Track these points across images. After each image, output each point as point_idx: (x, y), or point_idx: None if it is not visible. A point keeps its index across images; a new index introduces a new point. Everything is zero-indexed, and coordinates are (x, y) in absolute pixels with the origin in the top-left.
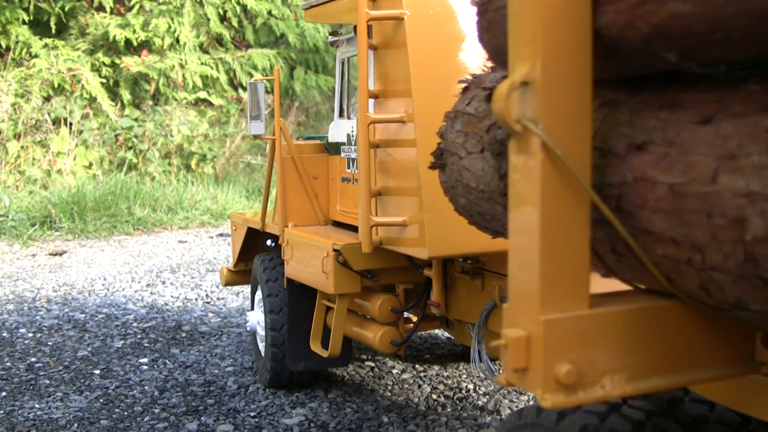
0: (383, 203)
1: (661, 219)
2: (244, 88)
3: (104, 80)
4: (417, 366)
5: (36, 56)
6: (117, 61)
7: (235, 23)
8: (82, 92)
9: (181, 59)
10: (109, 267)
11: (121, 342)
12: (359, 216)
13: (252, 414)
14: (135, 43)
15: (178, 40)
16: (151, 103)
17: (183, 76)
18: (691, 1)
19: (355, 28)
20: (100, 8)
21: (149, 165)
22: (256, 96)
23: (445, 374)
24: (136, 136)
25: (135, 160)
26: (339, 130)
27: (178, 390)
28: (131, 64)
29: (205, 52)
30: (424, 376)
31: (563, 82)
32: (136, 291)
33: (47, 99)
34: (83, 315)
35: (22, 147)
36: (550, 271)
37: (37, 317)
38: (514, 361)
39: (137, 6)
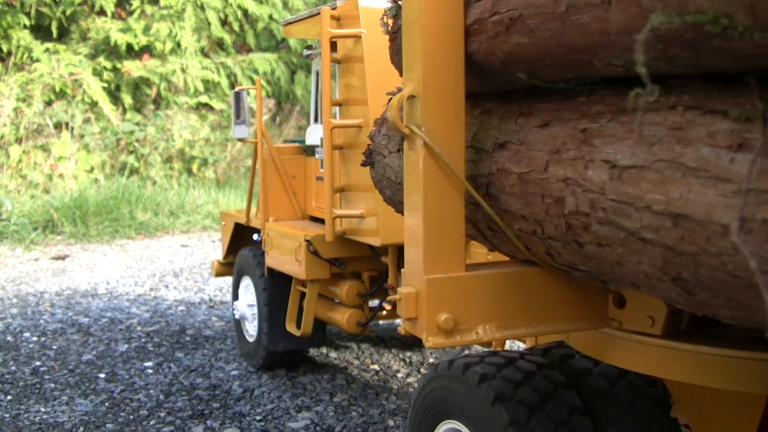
0: (346, 198)
1: (514, 200)
2: None
3: (106, 85)
4: (422, 370)
5: (37, 61)
6: (118, 65)
7: (236, 27)
8: (84, 97)
9: (182, 63)
10: (111, 271)
11: (126, 346)
12: (325, 209)
13: (258, 417)
14: (136, 48)
15: (179, 45)
16: (152, 107)
17: (184, 80)
18: (528, 34)
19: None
20: (102, 13)
21: (151, 169)
22: (240, 104)
23: None
24: (137, 141)
25: (137, 165)
26: (314, 134)
27: (184, 394)
28: (132, 68)
29: (206, 56)
30: None
31: (441, 96)
32: (139, 295)
33: (49, 103)
34: (87, 319)
35: (23, 151)
36: (432, 242)
37: (41, 321)
38: (406, 311)
39: (138, 10)
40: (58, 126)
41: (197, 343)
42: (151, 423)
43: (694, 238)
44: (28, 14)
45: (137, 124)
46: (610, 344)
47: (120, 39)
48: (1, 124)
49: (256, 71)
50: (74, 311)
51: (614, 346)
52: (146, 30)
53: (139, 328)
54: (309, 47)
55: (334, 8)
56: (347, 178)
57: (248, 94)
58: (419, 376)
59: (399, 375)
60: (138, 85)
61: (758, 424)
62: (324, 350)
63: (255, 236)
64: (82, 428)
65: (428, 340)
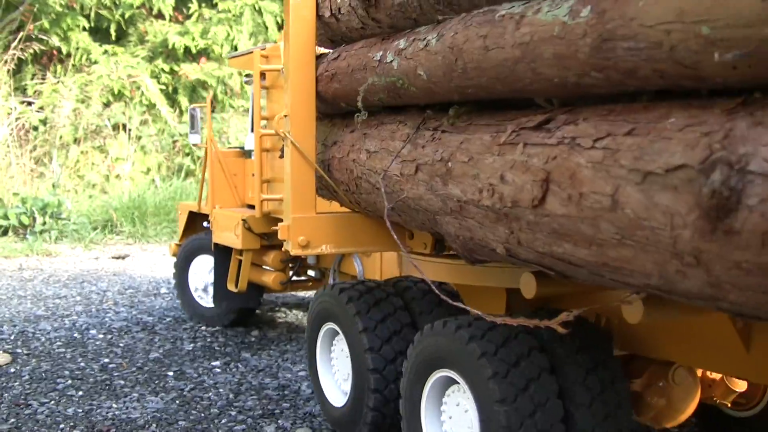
0: (271, 187)
1: (338, 173)
2: None
3: (163, 87)
4: None
5: (96, 63)
6: (176, 68)
7: None
8: (141, 98)
9: None
10: (172, 271)
11: (192, 345)
12: (255, 194)
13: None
14: (194, 51)
15: (236, 48)
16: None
17: (241, 83)
18: (340, 83)
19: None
20: (159, 16)
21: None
22: (194, 118)
23: None
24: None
25: (192, 167)
26: (250, 140)
27: (253, 393)
28: (190, 71)
29: None
30: None
31: (301, 115)
32: None
33: (107, 105)
34: (151, 318)
35: (82, 152)
36: (296, 198)
37: (106, 319)
38: (281, 235)
39: (196, 14)
40: (115, 127)
41: (262, 343)
42: (223, 421)
43: (389, 183)
44: (87, 17)
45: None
46: (409, 265)
47: (178, 42)
48: (61, 125)
49: None
50: (138, 310)
51: (410, 266)
52: (204, 33)
53: (203, 328)
54: (248, 75)
55: (263, 49)
56: (272, 172)
57: (201, 110)
58: None
59: None
60: (195, 88)
61: (505, 305)
62: None
63: (205, 223)
64: (154, 425)
65: (292, 251)
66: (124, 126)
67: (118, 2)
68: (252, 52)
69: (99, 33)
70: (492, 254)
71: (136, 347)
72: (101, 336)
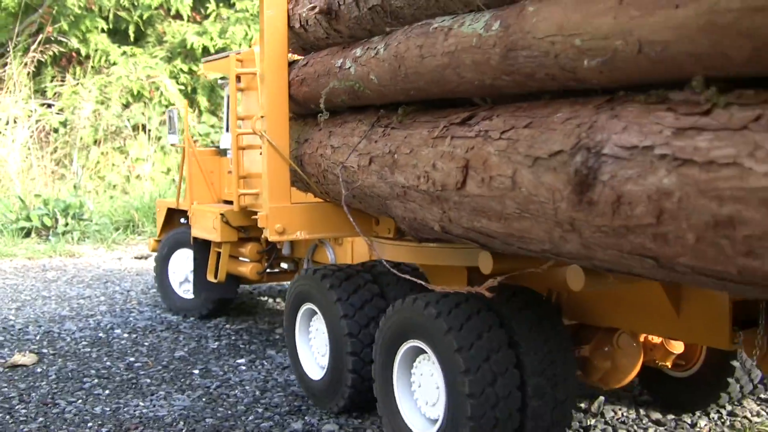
0: (247, 182)
1: (309, 167)
2: None
3: (182, 87)
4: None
5: (114, 64)
6: (194, 68)
7: None
8: (161, 99)
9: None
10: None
11: (216, 343)
12: (233, 189)
13: (355, 414)
14: (212, 50)
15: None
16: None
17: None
18: (309, 86)
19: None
20: (177, 16)
21: None
22: (172, 119)
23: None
24: (213, 143)
25: None
26: (225, 140)
27: (279, 390)
28: None
29: None
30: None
31: (275, 116)
32: None
33: (126, 106)
34: (175, 317)
35: (102, 153)
36: (272, 190)
37: (131, 318)
38: (261, 223)
39: (214, 13)
40: (135, 128)
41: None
42: (250, 418)
43: (347, 174)
44: (105, 18)
45: (212, 126)
46: (381, 248)
47: (196, 42)
48: (81, 126)
49: None
50: (162, 309)
51: (381, 249)
52: (222, 33)
53: (227, 326)
54: (222, 78)
55: (238, 53)
56: (248, 168)
57: (178, 112)
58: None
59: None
60: (213, 88)
61: (466, 281)
62: None
63: (182, 219)
64: (182, 422)
65: (270, 238)
66: (144, 126)
67: (136, 3)
68: (227, 57)
69: (117, 34)
70: (432, 232)
71: (161, 346)
72: (126, 335)
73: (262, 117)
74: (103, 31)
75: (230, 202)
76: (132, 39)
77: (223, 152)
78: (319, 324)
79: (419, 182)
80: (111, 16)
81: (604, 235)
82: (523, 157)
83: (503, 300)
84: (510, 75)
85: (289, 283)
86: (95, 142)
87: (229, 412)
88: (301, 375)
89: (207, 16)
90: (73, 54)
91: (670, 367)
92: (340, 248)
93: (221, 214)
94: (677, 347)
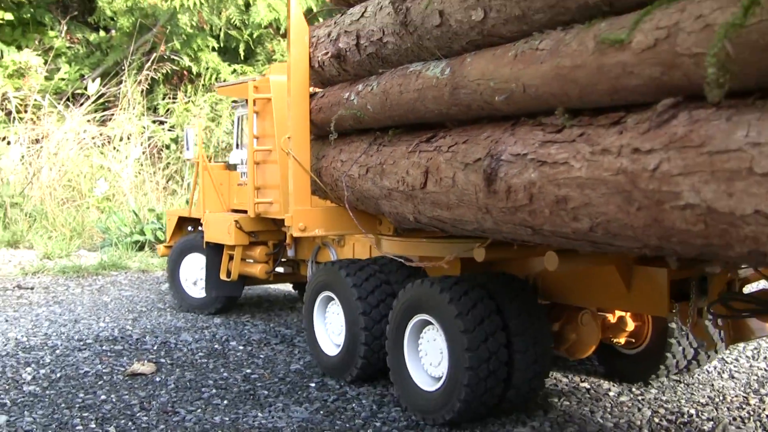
0: (262, 192)
1: (326, 178)
2: None
3: None
4: (633, 389)
5: (225, 81)
6: None
7: None
8: None
9: None
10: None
11: None
12: (248, 198)
13: (476, 431)
14: None
15: None
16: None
17: None
18: (325, 114)
19: (246, 100)
20: (286, 35)
21: None
22: (188, 137)
23: (664, 398)
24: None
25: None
26: (235, 156)
27: (396, 404)
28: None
29: None
30: (642, 399)
31: (299, 137)
32: None
33: None
34: (289, 330)
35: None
36: (296, 196)
37: (245, 331)
38: (288, 223)
39: None
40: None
41: None
42: None
43: (350, 181)
44: (216, 37)
45: None
46: (383, 244)
47: None
48: (192, 143)
49: None
50: (275, 322)
51: (384, 245)
52: None
53: None
54: (235, 101)
55: (255, 80)
56: (263, 180)
57: (194, 131)
58: (631, 395)
59: (611, 393)
60: None
61: (459, 268)
62: None
63: (190, 227)
64: None
65: (294, 234)
66: None
67: (246, 22)
68: (241, 83)
69: (228, 53)
70: (409, 222)
71: (276, 359)
72: (241, 347)
73: (289, 138)
74: (213, 49)
75: (238, 211)
76: (242, 57)
77: (232, 167)
78: (335, 308)
79: (398, 185)
80: (222, 34)
81: (504, 214)
82: (460, 163)
83: (492, 279)
84: (456, 106)
85: (288, 283)
86: (207, 158)
87: (347, 425)
88: (318, 353)
89: None
90: (185, 72)
91: (623, 343)
92: (342, 250)
93: (235, 221)
94: (629, 325)
